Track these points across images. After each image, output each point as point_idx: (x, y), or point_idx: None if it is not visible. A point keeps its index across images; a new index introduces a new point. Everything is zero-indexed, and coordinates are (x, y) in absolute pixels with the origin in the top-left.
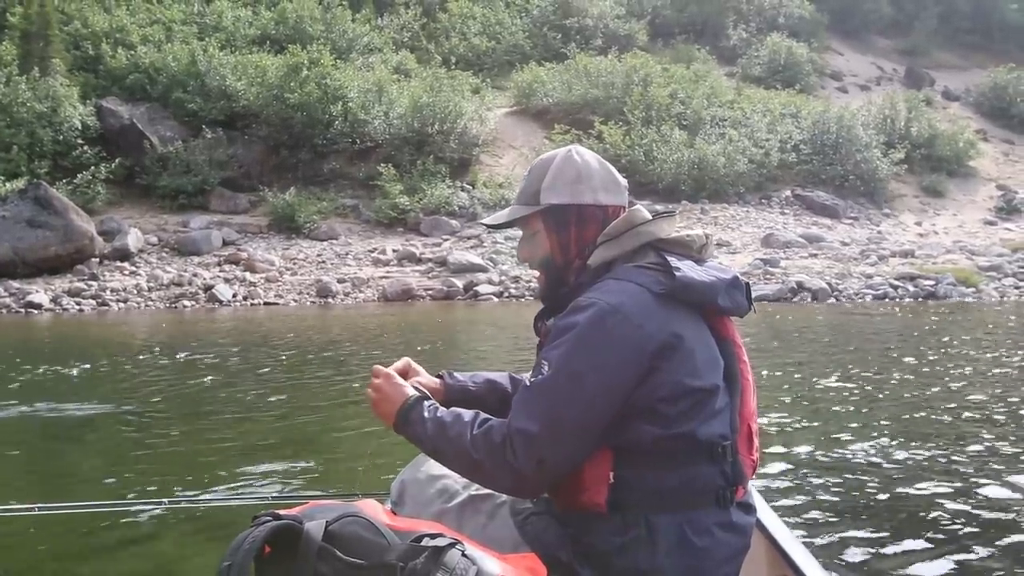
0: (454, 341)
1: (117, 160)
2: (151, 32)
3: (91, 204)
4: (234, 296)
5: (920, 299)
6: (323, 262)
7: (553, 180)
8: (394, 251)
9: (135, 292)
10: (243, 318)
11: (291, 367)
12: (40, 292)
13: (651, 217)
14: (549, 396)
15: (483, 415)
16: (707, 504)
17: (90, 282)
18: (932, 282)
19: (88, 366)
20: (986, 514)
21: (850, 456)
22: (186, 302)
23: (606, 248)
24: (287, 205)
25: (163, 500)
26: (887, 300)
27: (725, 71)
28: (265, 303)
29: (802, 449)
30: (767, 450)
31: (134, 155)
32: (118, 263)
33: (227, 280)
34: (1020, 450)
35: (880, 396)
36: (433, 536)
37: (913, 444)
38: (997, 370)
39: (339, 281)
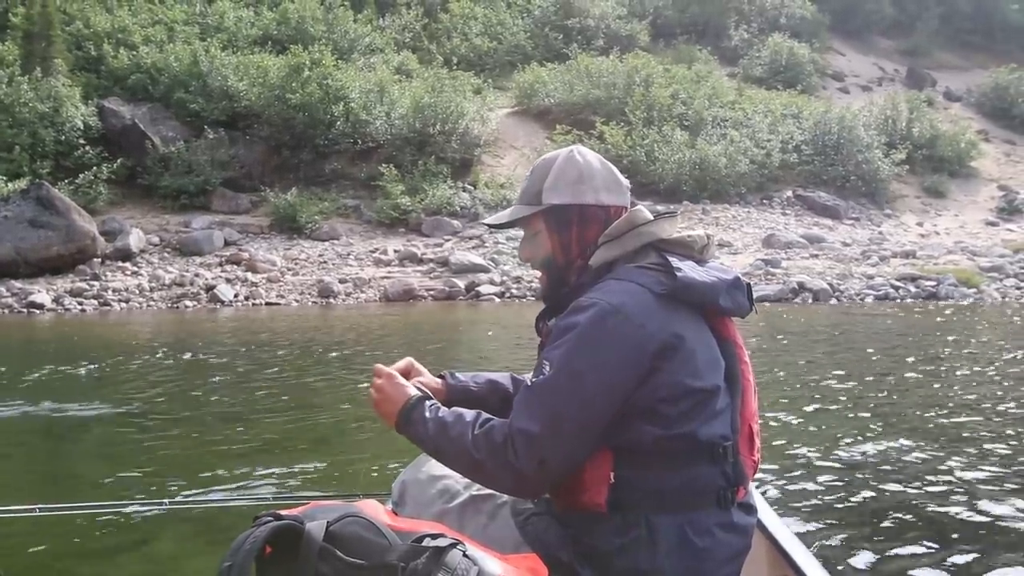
0: (456, 341)
1: (119, 160)
2: (153, 32)
3: (93, 204)
4: (236, 296)
5: (921, 300)
6: (325, 262)
7: (555, 180)
8: (396, 251)
9: (137, 292)
10: (245, 318)
11: (293, 367)
12: (42, 292)
13: (652, 217)
14: (550, 396)
15: (485, 415)
16: (708, 505)
17: (92, 282)
18: (933, 283)
19: (91, 366)
20: (987, 515)
21: (851, 457)
22: (188, 302)
23: (608, 248)
24: (289, 205)
25: (164, 501)
26: (888, 301)
27: (727, 72)
28: (267, 303)
29: (803, 450)
30: (768, 451)
31: (136, 155)
32: (120, 263)
33: (229, 280)
34: (1021, 451)
35: (881, 397)
36: (434, 536)
37: (914, 445)
38: (998, 371)
39: (341, 281)
